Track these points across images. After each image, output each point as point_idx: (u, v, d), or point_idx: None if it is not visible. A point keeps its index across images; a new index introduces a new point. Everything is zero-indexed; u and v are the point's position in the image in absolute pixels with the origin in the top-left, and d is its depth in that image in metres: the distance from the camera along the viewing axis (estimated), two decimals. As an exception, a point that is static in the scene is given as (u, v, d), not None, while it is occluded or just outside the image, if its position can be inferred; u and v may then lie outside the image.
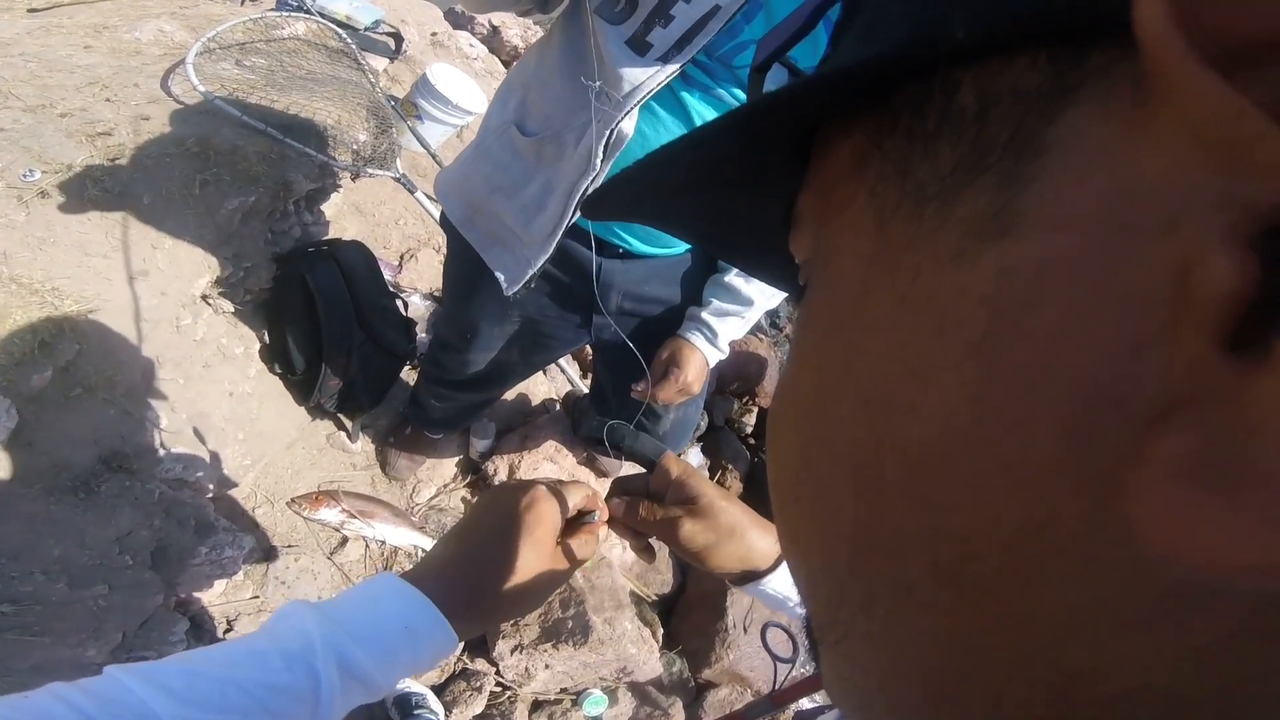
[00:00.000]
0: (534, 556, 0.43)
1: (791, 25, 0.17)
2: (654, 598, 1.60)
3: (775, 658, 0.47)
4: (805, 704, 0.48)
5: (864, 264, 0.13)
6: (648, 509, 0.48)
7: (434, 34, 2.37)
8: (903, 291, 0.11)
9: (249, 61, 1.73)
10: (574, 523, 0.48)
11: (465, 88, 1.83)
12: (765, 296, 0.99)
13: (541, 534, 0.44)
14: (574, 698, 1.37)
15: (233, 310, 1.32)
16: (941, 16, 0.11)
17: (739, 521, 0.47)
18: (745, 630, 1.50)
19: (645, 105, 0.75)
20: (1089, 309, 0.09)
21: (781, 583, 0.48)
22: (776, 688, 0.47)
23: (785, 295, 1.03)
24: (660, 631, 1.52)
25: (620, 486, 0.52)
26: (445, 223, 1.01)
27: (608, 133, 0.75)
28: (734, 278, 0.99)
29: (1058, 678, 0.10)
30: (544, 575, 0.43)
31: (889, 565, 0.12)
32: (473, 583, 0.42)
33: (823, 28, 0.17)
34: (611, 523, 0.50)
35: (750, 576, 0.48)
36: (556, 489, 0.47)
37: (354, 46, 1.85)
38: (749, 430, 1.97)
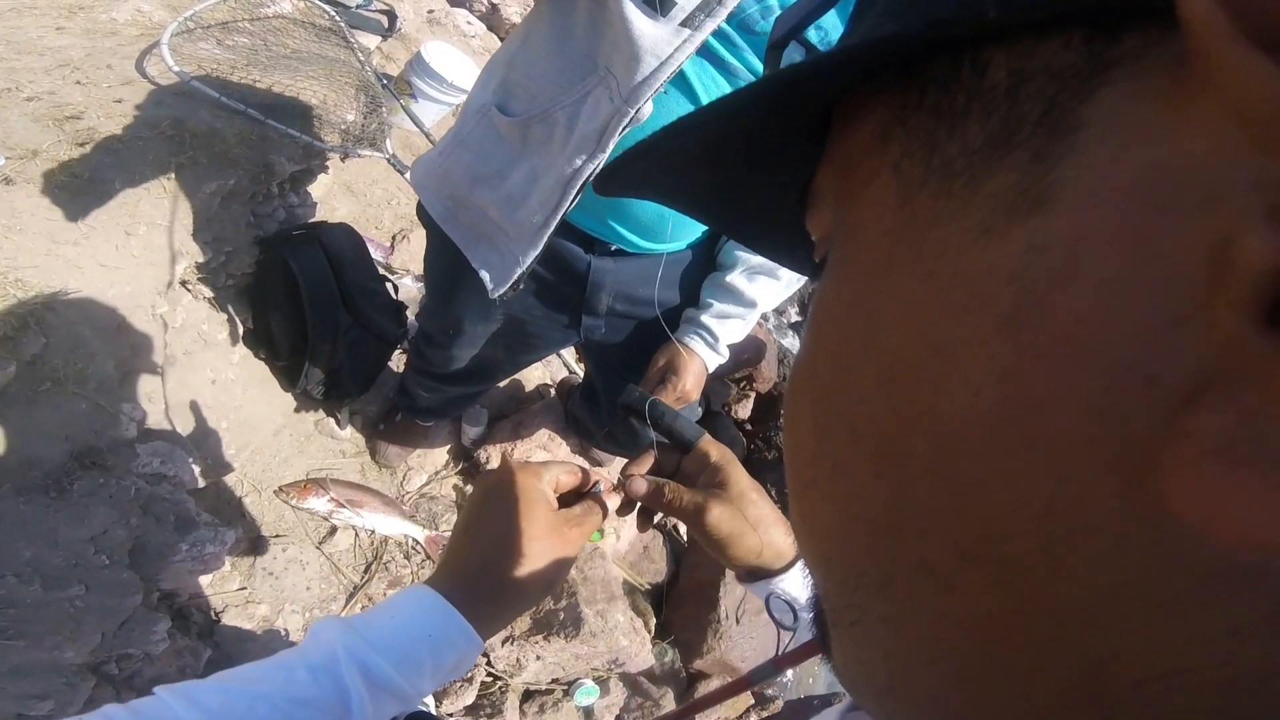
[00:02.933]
0: (541, 538, 0.43)
1: (809, 3, 0.17)
2: (647, 586, 1.60)
3: (778, 624, 0.47)
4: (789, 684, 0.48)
5: (887, 239, 0.13)
6: (674, 491, 0.48)
7: (430, 11, 2.30)
8: (929, 267, 0.11)
9: (231, 41, 1.68)
10: (578, 497, 0.49)
11: (462, 66, 1.77)
12: (768, 297, 0.93)
13: (541, 512, 0.44)
14: (565, 688, 1.37)
15: (213, 295, 1.29)
16: None
17: (765, 516, 0.48)
18: (738, 621, 1.49)
19: None
20: (1122, 286, 0.09)
21: (791, 584, 0.48)
22: (779, 653, 0.48)
23: (788, 295, 0.99)
24: (653, 621, 1.52)
25: (634, 471, 0.52)
26: (423, 214, 0.94)
27: (631, 113, 0.67)
28: (736, 278, 0.92)
29: (1088, 660, 0.10)
30: (554, 554, 0.44)
31: (910, 546, 0.12)
32: (489, 579, 0.42)
33: (836, 10, 0.17)
34: (626, 506, 0.50)
35: (760, 575, 0.49)
36: (533, 465, 0.47)
37: (343, 24, 1.79)
38: (745, 416, 1.95)
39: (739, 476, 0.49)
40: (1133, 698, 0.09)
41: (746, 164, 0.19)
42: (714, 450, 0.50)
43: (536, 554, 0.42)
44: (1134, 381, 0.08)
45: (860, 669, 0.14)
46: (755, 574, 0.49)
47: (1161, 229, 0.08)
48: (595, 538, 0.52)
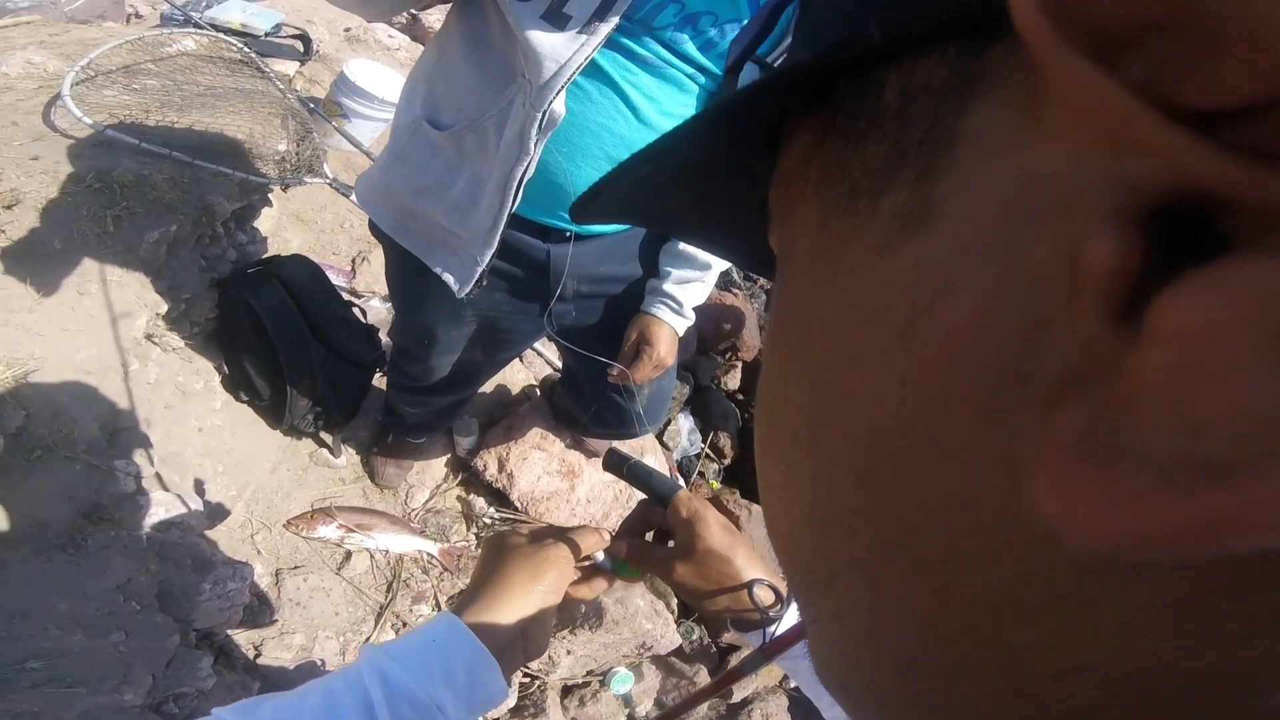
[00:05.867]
0: (552, 607, 0.49)
1: (754, 26, 0.18)
2: None
3: (761, 612, 0.49)
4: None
5: (810, 259, 0.13)
6: (642, 550, 0.52)
7: (347, 29, 2.25)
8: (842, 284, 0.12)
9: (138, 84, 1.61)
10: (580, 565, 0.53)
11: (388, 80, 1.76)
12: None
13: (560, 586, 0.49)
14: (601, 678, 1.40)
15: (183, 345, 1.25)
16: (863, 18, 0.11)
17: (733, 573, 0.49)
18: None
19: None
20: (995, 293, 0.09)
21: (781, 628, 0.49)
22: (766, 641, 0.49)
23: None
24: (675, 602, 1.55)
25: (626, 528, 0.56)
26: (376, 230, 0.95)
27: (540, 116, 0.72)
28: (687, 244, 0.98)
29: (1004, 653, 0.10)
30: (529, 563, 0.49)
31: (844, 543, 0.12)
32: (484, 587, 0.48)
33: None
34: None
35: (743, 626, 0.51)
36: (571, 540, 0.51)
37: (254, 55, 1.74)
38: (735, 386, 1.98)
39: (707, 534, 0.50)
40: (1051, 691, 0.09)
41: (715, 187, 0.19)
42: (683, 508, 0.52)
43: (508, 567, 0.48)
44: (1011, 383, 0.09)
45: (823, 663, 0.14)
46: (740, 625, 0.51)
47: (1026, 236, 0.08)
48: (636, 577, 0.56)
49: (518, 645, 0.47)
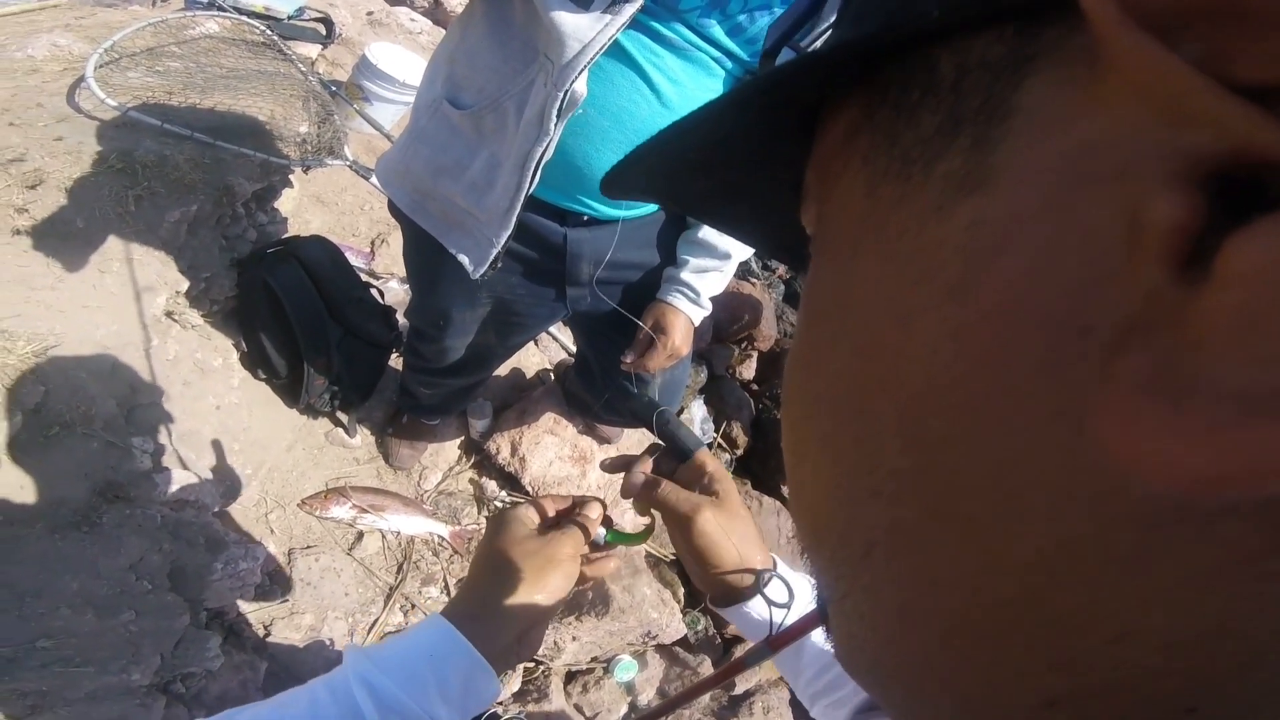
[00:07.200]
0: (515, 554, 0.47)
1: (796, 10, 0.18)
2: (670, 557, 1.63)
3: (770, 603, 0.48)
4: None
5: (856, 225, 0.14)
6: (671, 489, 0.50)
7: (370, 13, 2.24)
8: (891, 246, 0.12)
9: (161, 67, 1.63)
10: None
11: (410, 63, 1.75)
12: (741, 246, 0.96)
13: (564, 586, 0.48)
14: (605, 665, 1.40)
15: (202, 322, 1.27)
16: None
17: (748, 533, 0.49)
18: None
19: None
20: (1053, 250, 0.09)
21: (761, 608, 0.49)
22: (772, 633, 0.48)
23: None
24: (681, 591, 1.54)
25: (648, 466, 0.54)
26: (395, 210, 0.95)
27: (561, 96, 0.70)
28: (708, 232, 0.95)
29: (1055, 619, 0.10)
30: (528, 563, 0.47)
31: (886, 510, 0.12)
32: (478, 593, 0.46)
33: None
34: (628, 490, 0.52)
35: (730, 599, 0.50)
36: (580, 524, 0.50)
37: (277, 37, 1.74)
38: (750, 376, 1.95)
39: (732, 490, 0.50)
40: (1104, 659, 0.09)
41: (743, 169, 0.19)
42: (710, 462, 0.52)
43: (511, 566, 0.46)
44: (1069, 334, 0.09)
45: (853, 643, 0.14)
46: (727, 598, 0.50)
47: (1085, 199, 0.09)
48: (641, 537, 0.54)
49: (513, 649, 0.45)
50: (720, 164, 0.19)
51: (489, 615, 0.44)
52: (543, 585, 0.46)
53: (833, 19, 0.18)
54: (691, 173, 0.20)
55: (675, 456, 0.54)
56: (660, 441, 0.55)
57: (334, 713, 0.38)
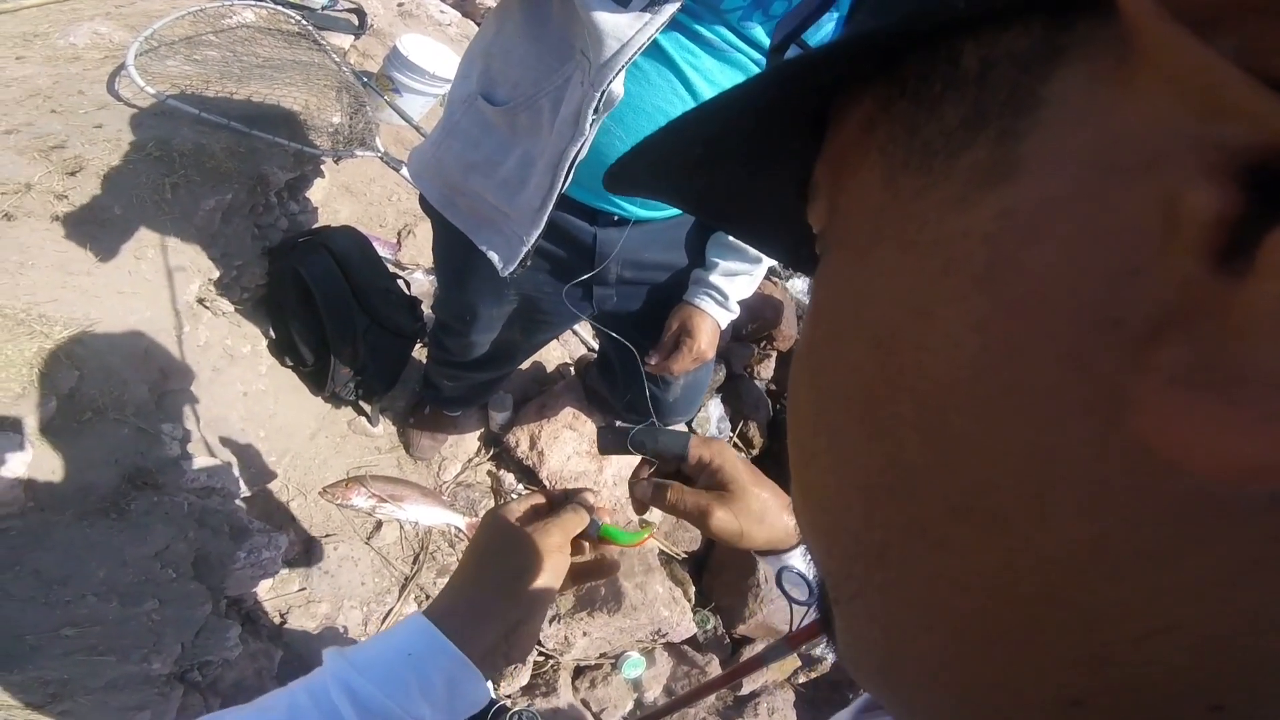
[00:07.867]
0: (542, 607, 0.45)
1: (807, 6, 0.18)
2: (684, 555, 1.62)
3: (791, 600, 0.48)
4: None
5: (873, 217, 0.13)
6: (677, 493, 0.48)
7: (400, 4, 2.25)
8: (911, 238, 0.12)
9: (199, 55, 1.65)
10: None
11: (440, 55, 1.75)
12: None
13: (554, 581, 0.46)
14: (613, 661, 1.41)
15: (233, 310, 1.29)
16: None
17: (768, 506, 0.48)
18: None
19: None
20: (1084, 240, 0.09)
21: (799, 560, 0.49)
22: (792, 630, 0.47)
23: None
24: (692, 590, 1.54)
25: (651, 469, 0.53)
26: (426, 205, 0.95)
27: (598, 95, 0.68)
28: None
29: (1082, 617, 0.09)
30: (518, 558, 0.45)
31: (904, 507, 0.12)
32: (464, 593, 0.44)
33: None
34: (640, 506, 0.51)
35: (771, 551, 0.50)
36: (572, 514, 0.48)
37: (311, 28, 1.76)
38: (769, 376, 1.94)
39: (736, 471, 0.49)
40: (1131, 657, 0.09)
41: (747, 165, 0.19)
42: (704, 450, 0.50)
43: (494, 560, 0.45)
44: (1100, 325, 0.09)
45: (861, 644, 0.14)
46: (767, 551, 0.50)
47: (1116, 189, 0.09)
48: (635, 538, 0.52)
49: (500, 650, 0.44)
50: (725, 159, 0.19)
51: (470, 611, 0.43)
52: (528, 578, 0.44)
53: (838, 17, 0.18)
54: (697, 170, 0.19)
55: (674, 461, 0.53)
56: (651, 460, 0.54)
57: (314, 717, 0.37)
